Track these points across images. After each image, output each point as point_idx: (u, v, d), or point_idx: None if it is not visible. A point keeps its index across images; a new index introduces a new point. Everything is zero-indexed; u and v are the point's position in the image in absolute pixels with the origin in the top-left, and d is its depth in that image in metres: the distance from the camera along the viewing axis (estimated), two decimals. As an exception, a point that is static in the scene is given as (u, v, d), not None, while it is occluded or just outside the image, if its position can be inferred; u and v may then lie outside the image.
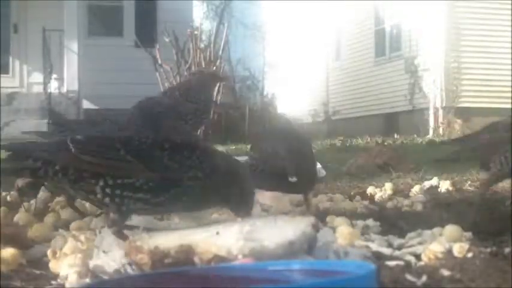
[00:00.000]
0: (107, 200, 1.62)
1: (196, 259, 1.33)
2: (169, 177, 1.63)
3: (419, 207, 2.48)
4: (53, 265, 1.53)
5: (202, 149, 1.71)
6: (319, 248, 1.49)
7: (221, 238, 1.39)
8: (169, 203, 1.66)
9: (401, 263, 1.46)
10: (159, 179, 1.62)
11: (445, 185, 3.17)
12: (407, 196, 2.92)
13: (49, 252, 1.60)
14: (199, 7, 22.16)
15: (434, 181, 3.33)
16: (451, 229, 1.70)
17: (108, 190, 1.61)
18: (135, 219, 1.93)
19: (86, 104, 11.84)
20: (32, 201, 2.56)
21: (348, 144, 8.40)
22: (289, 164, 2.04)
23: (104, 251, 1.55)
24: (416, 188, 3.07)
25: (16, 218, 2.14)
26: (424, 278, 1.32)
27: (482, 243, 1.63)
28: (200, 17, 21.25)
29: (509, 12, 12.29)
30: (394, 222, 2.06)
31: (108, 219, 1.65)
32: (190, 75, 2.51)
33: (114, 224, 1.63)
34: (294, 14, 17.49)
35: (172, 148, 1.66)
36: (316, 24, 16.50)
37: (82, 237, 1.71)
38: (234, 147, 7.51)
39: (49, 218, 2.19)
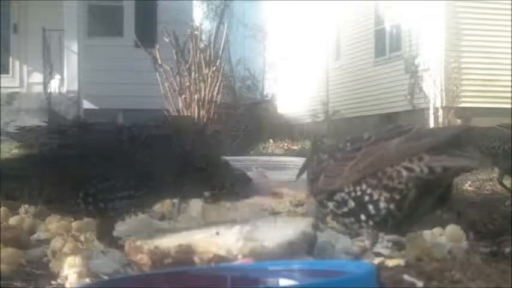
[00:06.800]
0: (91, 208, 1.60)
1: (196, 259, 1.33)
2: (146, 172, 1.63)
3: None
4: (53, 265, 1.53)
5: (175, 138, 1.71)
6: (319, 248, 1.49)
7: (221, 238, 1.39)
8: (153, 192, 1.66)
9: (401, 263, 1.46)
10: (137, 175, 1.62)
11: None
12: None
13: (49, 252, 1.60)
14: (199, 7, 22.17)
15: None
16: (451, 229, 1.70)
17: (90, 199, 1.59)
18: (135, 220, 1.93)
19: (86, 104, 11.83)
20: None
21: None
22: None
23: (102, 251, 1.55)
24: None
25: (11, 221, 2.14)
26: (424, 278, 1.32)
27: (482, 243, 1.63)
28: (200, 17, 21.28)
29: (509, 12, 12.29)
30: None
31: (97, 231, 1.64)
32: None
33: (104, 233, 1.62)
34: (294, 14, 17.49)
35: (144, 144, 1.65)
36: (316, 24, 16.50)
37: (82, 238, 1.72)
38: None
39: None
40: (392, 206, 1.44)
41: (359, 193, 1.46)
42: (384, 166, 1.44)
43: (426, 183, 1.42)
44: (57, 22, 11.41)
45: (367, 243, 1.52)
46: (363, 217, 1.47)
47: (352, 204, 1.47)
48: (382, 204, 1.44)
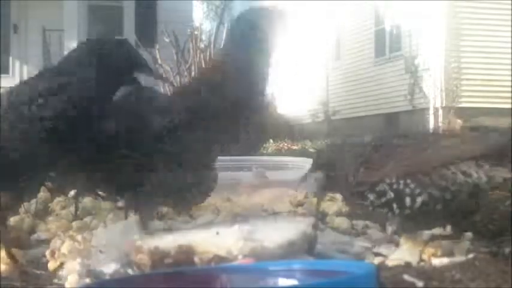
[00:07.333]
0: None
1: (196, 259, 1.33)
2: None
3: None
4: (52, 265, 1.53)
5: None
6: (319, 248, 1.49)
7: (221, 238, 1.39)
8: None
9: (401, 263, 1.46)
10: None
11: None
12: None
13: (48, 253, 1.60)
14: (199, 7, 22.16)
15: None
16: (451, 229, 1.70)
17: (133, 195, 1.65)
18: (134, 219, 1.93)
19: (86, 104, 11.83)
20: (32, 202, 2.56)
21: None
22: None
23: (100, 251, 1.55)
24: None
25: (11, 221, 2.14)
26: (424, 278, 1.32)
27: (482, 243, 1.63)
28: (200, 17, 21.26)
29: (509, 12, 12.29)
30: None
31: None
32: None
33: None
34: (294, 14, 17.49)
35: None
36: (316, 24, 16.51)
37: (81, 238, 1.72)
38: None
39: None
40: (439, 206, 1.49)
41: (401, 186, 1.50)
42: (434, 166, 1.48)
43: (479, 189, 1.50)
44: (57, 22, 11.42)
45: (390, 229, 1.58)
46: (394, 206, 1.51)
47: (391, 195, 1.51)
48: (420, 199, 1.48)
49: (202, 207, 2.35)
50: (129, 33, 12.58)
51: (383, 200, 1.52)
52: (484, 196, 1.54)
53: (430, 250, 1.53)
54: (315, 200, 2.63)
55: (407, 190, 1.49)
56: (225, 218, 2.02)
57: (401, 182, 1.49)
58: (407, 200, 1.49)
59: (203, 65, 7.66)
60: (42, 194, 2.57)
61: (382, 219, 2.03)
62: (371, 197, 1.54)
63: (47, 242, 1.81)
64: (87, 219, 2.13)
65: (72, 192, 2.63)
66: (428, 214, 1.53)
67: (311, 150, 8.38)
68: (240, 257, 1.31)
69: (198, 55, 7.76)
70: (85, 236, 1.73)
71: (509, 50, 12.25)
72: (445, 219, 1.58)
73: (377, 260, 1.50)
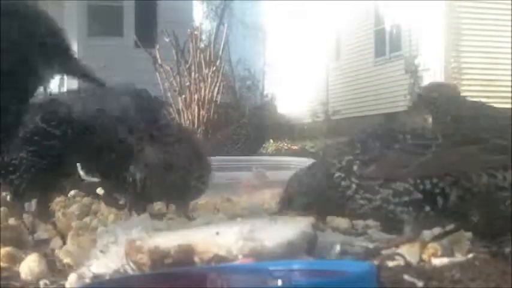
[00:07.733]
0: None
1: (196, 259, 1.33)
2: None
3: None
4: (52, 264, 1.53)
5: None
6: (319, 248, 1.49)
7: (221, 238, 1.39)
8: None
9: (401, 263, 1.46)
10: None
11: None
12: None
13: (62, 252, 1.60)
14: (199, 7, 22.16)
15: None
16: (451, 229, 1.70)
17: None
18: (134, 220, 1.93)
19: (86, 104, 11.83)
20: (33, 202, 2.56)
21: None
22: None
23: (101, 251, 1.55)
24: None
25: (11, 221, 2.13)
26: (424, 278, 1.32)
27: (482, 243, 1.63)
28: (200, 17, 21.26)
29: (509, 12, 12.29)
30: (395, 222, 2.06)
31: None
32: None
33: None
34: (294, 14, 17.49)
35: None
36: (316, 24, 16.50)
37: (82, 238, 1.72)
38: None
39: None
40: (457, 203, 1.51)
41: (428, 186, 1.49)
42: (460, 171, 1.49)
43: (499, 193, 1.52)
44: (57, 22, 11.40)
45: (407, 230, 1.56)
46: (427, 208, 1.51)
47: (418, 195, 1.50)
48: (452, 197, 1.49)
49: (203, 207, 2.35)
50: (129, 33, 12.59)
51: (405, 198, 1.50)
52: (504, 197, 1.55)
53: (430, 250, 1.52)
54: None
55: (437, 190, 1.49)
56: (225, 218, 2.02)
57: (428, 182, 1.49)
58: (439, 200, 1.49)
59: (203, 65, 7.66)
60: (42, 194, 2.57)
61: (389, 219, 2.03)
62: (384, 192, 1.53)
63: (47, 242, 1.81)
64: (87, 219, 2.13)
65: (72, 192, 2.64)
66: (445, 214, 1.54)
67: (311, 150, 8.39)
68: (240, 257, 1.31)
69: (198, 55, 7.75)
70: (87, 236, 1.73)
71: (509, 50, 12.26)
72: (459, 216, 1.60)
73: (377, 260, 1.50)
